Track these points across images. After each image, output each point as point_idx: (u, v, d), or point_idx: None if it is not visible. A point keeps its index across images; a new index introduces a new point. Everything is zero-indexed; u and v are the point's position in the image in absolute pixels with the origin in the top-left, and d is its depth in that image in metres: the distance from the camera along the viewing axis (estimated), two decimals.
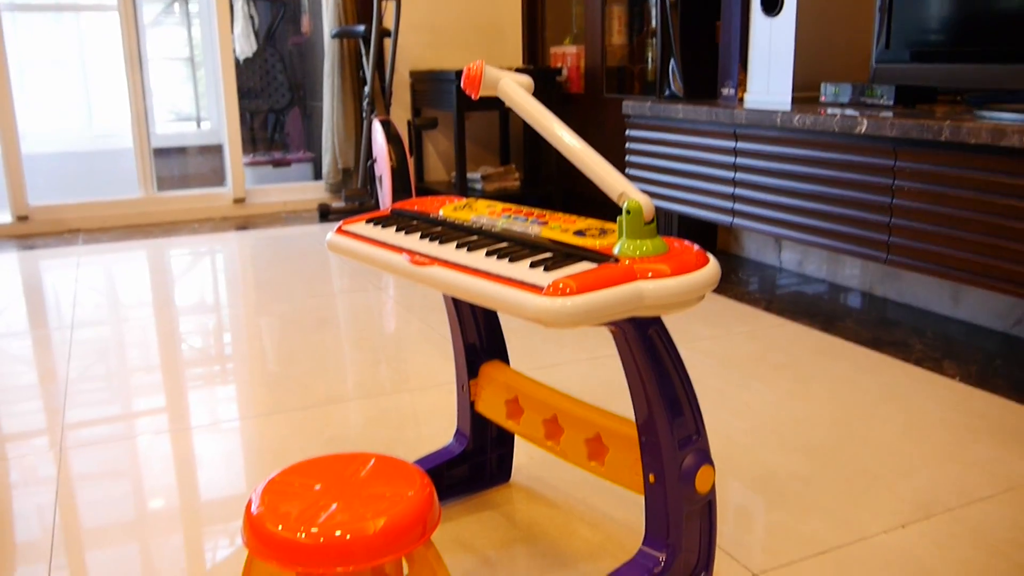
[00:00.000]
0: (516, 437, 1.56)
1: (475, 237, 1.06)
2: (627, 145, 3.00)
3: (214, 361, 2.07)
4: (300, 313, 2.44)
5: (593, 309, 0.85)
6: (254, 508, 0.95)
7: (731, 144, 2.50)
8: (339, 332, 2.26)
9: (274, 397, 1.83)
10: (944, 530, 1.29)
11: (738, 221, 2.52)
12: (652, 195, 2.91)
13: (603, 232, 1.01)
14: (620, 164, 3.33)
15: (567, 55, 3.93)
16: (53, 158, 5.16)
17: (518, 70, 3.84)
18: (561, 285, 0.86)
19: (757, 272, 2.83)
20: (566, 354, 2.06)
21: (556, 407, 1.21)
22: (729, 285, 2.67)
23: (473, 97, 1.08)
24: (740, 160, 2.47)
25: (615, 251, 0.94)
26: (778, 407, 1.74)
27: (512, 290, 0.90)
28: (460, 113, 3.67)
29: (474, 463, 1.41)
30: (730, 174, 2.52)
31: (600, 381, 1.88)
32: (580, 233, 1.01)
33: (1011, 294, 1.80)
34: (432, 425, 1.68)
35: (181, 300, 2.60)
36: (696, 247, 0.97)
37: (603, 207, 3.67)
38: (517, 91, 1.05)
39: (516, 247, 1.00)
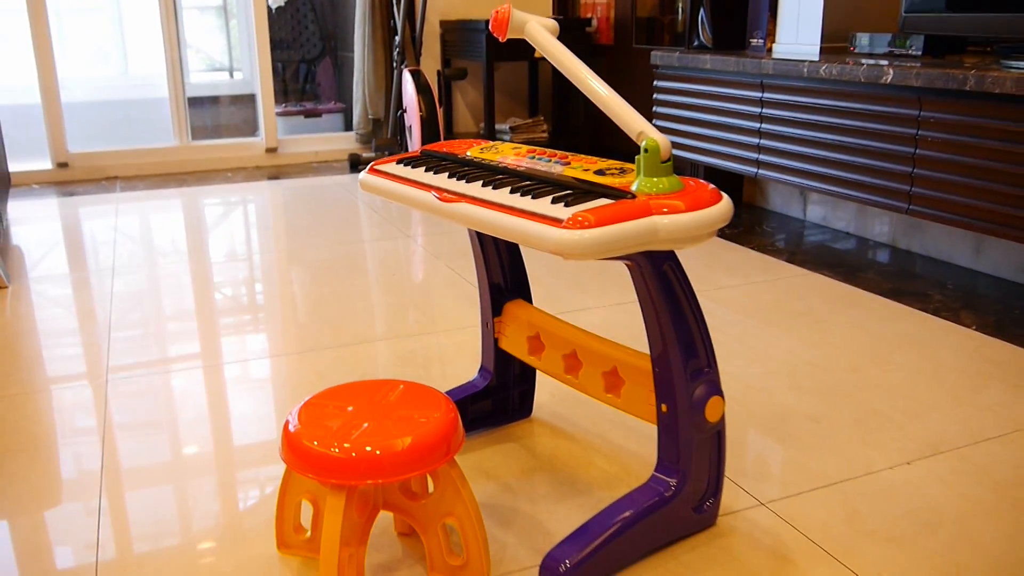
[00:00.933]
0: (538, 375, 1.63)
1: (500, 176, 1.11)
2: (655, 96, 3.01)
3: (247, 304, 2.15)
4: (331, 259, 2.51)
5: (609, 241, 0.90)
6: (291, 426, 1.02)
7: (758, 95, 2.51)
8: (368, 278, 2.33)
9: (306, 337, 1.91)
10: (949, 467, 1.33)
11: (763, 172, 2.54)
12: (679, 146, 2.93)
13: (622, 171, 1.06)
14: (648, 115, 3.34)
15: (597, 5, 3.92)
16: (90, 107, 5.25)
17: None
18: (580, 218, 0.91)
19: (782, 224, 2.85)
20: (590, 300, 2.11)
21: (575, 343, 1.27)
22: (753, 236, 2.70)
23: (501, 39, 1.12)
24: (766, 111, 2.49)
25: (632, 188, 0.98)
26: (794, 352, 1.78)
27: (534, 224, 0.95)
28: (490, 64, 3.69)
29: (497, 398, 1.47)
30: (756, 125, 2.54)
31: (622, 325, 1.93)
32: (600, 172, 1.06)
33: None
34: (458, 364, 1.74)
35: (215, 246, 2.68)
36: (711, 186, 1.01)
37: (628, 158, 3.69)
38: (543, 33, 1.09)
39: (539, 184, 1.05)
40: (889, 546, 1.14)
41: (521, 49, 3.72)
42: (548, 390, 1.61)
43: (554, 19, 3.87)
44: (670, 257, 1.04)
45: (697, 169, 3.09)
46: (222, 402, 1.59)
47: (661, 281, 1.05)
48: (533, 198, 1.00)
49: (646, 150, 0.98)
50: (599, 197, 0.99)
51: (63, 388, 1.65)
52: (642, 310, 1.08)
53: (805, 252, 2.51)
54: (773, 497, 1.26)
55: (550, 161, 1.13)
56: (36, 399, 1.61)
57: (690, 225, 0.95)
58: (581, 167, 1.09)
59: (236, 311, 2.08)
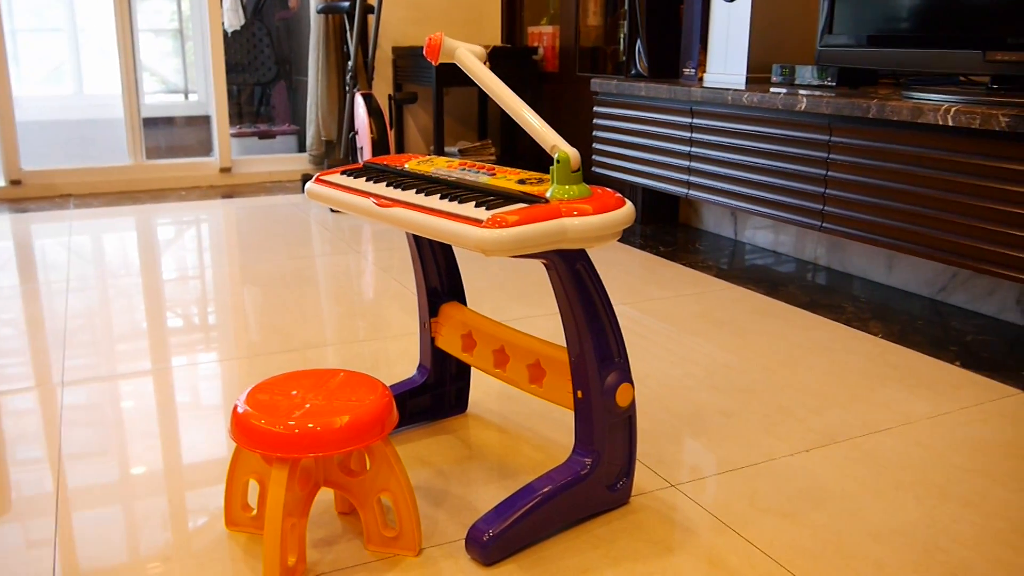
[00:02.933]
0: (473, 373, 1.74)
1: (432, 184, 1.23)
2: (594, 121, 3.17)
3: (199, 313, 2.23)
4: (282, 273, 2.60)
5: (524, 239, 1.03)
6: (240, 408, 1.12)
7: (688, 120, 2.68)
8: (318, 289, 2.43)
9: (255, 343, 2.00)
10: (843, 454, 1.48)
11: (693, 193, 2.70)
12: (617, 168, 3.09)
13: (540, 181, 1.19)
14: (590, 139, 3.50)
15: (544, 35, 4.09)
16: (44, 125, 5.27)
17: (496, 48, 4.00)
18: (498, 219, 1.03)
19: (713, 243, 3.01)
20: (531, 310, 2.23)
21: (503, 339, 1.39)
22: (685, 254, 2.85)
23: (433, 63, 1.25)
24: (695, 135, 2.65)
25: (547, 195, 1.11)
26: (713, 356, 1.92)
27: (459, 224, 1.07)
28: (439, 89, 3.82)
29: (435, 394, 1.58)
30: (686, 148, 2.70)
31: (557, 331, 2.06)
32: (521, 182, 1.19)
33: (932, 259, 1.99)
34: (402, 366, 1.85)
35: (169, 260, 2.75)
36: (617, 194, 1.14)
37: None
38: (471, 58, 1.22)
39: (465, 192, 1.17)
40: (782, 520, 1.27)
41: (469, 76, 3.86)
42: (483, 388, 1.73)
43: (503, 48, 4.02)
44: (582, 257, 1.17)
45: (634, 190, 3.25)
46: (172, 400, 1.68)
47: (574, 279, 1.17)
48: (459, 203, 1.13)
49: (558, 161, 1.11)
50: (517, 202, 1.11)
51: (13, 398, 1.73)
52: (559, 306, 1.21)
53: (733, 268, 2.67)
54: (683, 480, 1.39)
55: (477, 172, 1.26)
56: None
57: (596, 226, 1.08)
58: (504, 177, 1.22)
59: (188, 319, 2.17)
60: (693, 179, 2.69)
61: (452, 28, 4.34)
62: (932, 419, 1.61)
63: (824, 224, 2.22)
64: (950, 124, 1.85)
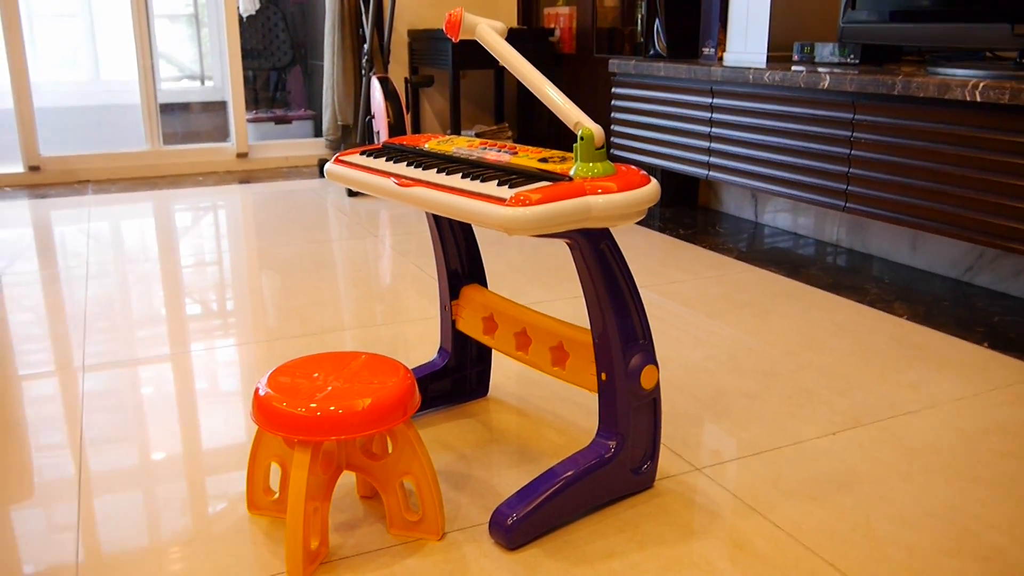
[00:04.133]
0: (494, 357, 1.73)
1: (453, 164, 1.21)
2: (612, 102, 3.14)
3: (219, 298, 2.23)
4: (300, 257, 2.60)
5: (548, 218, 1.01)
6: (261, 391, 1.11)
7: (708, 100, 2.64)
8: (337, 273, 2.42)
9: (273, 327, 1.99)
10: (869, 437, 1.45)
11: (713, 174, 2.67)
12: (635, 150, 3.06)
13: (563, 159, 1.17)
14: (608, 120, 3.47)
15: (560, 16, 4.05)
16: (62, 111, 5.29)
17: (512, 29, 3.97)
18: (521, 198, 1.02)
19: (733, 225, 2.98)
20: (550, 294, 2.21)
21: (525, 321, 1.37)
22: (706, 236, 2.82)
23: (453, 39, 1.23)
24: (716, 116, 2.62)
25: (571, 173, 1.09)
26: (735, 339, 1.90)
27: (481, 203, 1.05)
28: (456, 72, 3.80)
29: (456, 377, 1.57)
30: (706, 129, 2.67)
31: (577, 314, 2.04)
32: (544, 160, 1.17)
33: (959, 238, 1.95)
34: (421, 350, 1.84)
35: (187, 245, 2.75)
36: (641, 171, 1.12)
37: None
38: (491, 34, 1.20)
39: (487, 170, 1.15)
40: (809, 503, 1.25)
41: (487, 58, 3.84)
42: (504, 371, 1.71)
43: (519, 30, 3.99)
44: (606, 236, 1.15)
45: (654, 172, 3.21)
46: (192, 385, 1.68)
47: (598, 259, 1.15)
48: (482, 182, 1.11)
49: (582, 138, 1.09)
50: (540, 180, 1.09)
51: (34, 383, 1.73)
52: (582, 287, 1.19)
53: (754, 250, 2.64)
54: (707, 463, 1.37)
55: (499, 151, 1.24)
56: (10, 394, 1.68)
57: (621, 204, 1.06)
58: (527, 156, 1.20)
59: (206, 304, 2.16)
60: (713, 160, 2.65)
61: (467, 9, 4.30)
62: (960, 401, 1.59)
63: (848, 204, 2.19)
64: (978, 100, 1.82)
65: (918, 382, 1.67)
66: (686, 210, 3.22)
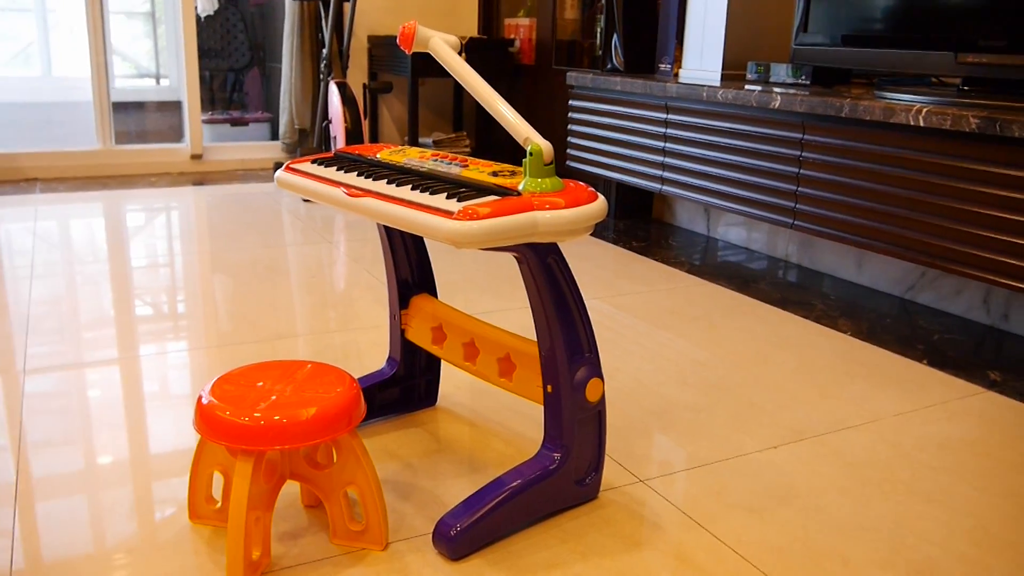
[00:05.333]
0: (443, 368, 1.73)
1: (403, 175, 1.22)
2: (569, 115, 3.16)
3: (168, 301, 2.20)
4: (253, 262, 2.57)
5: (495, 232, 1.02)
6: (204, 399, 1.11)
7: (662, 116, 2.68)
8: (289, 279, 2.41)
9: (224, 332, 1.98)
10: (810, 451, 1.48)
11: (666, 188, 2.70)
12: (591, 162, 3.09)
13: (512, 174, 1.18)
14: (565, 133, 3.49)
15: (520, 27, 4.07)
16: (11, 107, 5.18)
17: (471, 40, 3.98)
18: (469, 211, 1.02)
19: (686, 239, 3.02)
20: (503, 303, 2.22)
21: (474, 332, 1.38)
22: (659, 250, 2.86)
23: (407, 51, 1.23)
24: (670, 131, 2.65)
25: (520, 188, 1.10)
26: (684, 352, 1.93)
27: (429, 216, 1.06)
28: (415, 79, 3.80)
29: (404, 387, 1.57)
30: (660, 144, 2.70)
31: (530, 326, 2.05)
32: (494, 174, 1.18)
33: (901, 258, 2.00)
34: (372, 357, 1.83)
35: (138, 246, 2.71)
36: (589, 188, 1.14)
37: None
38: (444, 48, 1.21)
39: (437, 183, 1.16)
40: (750, 516, 1.27)
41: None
42: (453, 381, 1.72)
43: (479, 40, 4.00)
44: (554, 251, 1.16)
45: (609, 185, 3.24)
46: (139, 389, 1.65)
47: (546, 273, 1.17)
48: (431, 194, 1.11)
49: (531, 153, 1.10)
50: (489, 194, 1.10)
51: None
52: (530, 300, 1.20)
53: (705, 264, 2.68)
54: (652, 475, 1.39)
55: (450, 164, 1.25)
56: None
57: (568, 220, 1.07)
58: (477, 169, 1.20)
59: (156, 307, 2.13)
60: (667, 175, 2.69)
61: (428, 18, 4.31)
62: (899, 416, 1.63)
63: (796, 222, 2.23)
64: (921, 124, 1.87)
65: (859, 398, 1.71)
66: (640, 223, 3.26)
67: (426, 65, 3.81)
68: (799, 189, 2.21)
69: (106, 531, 1.19)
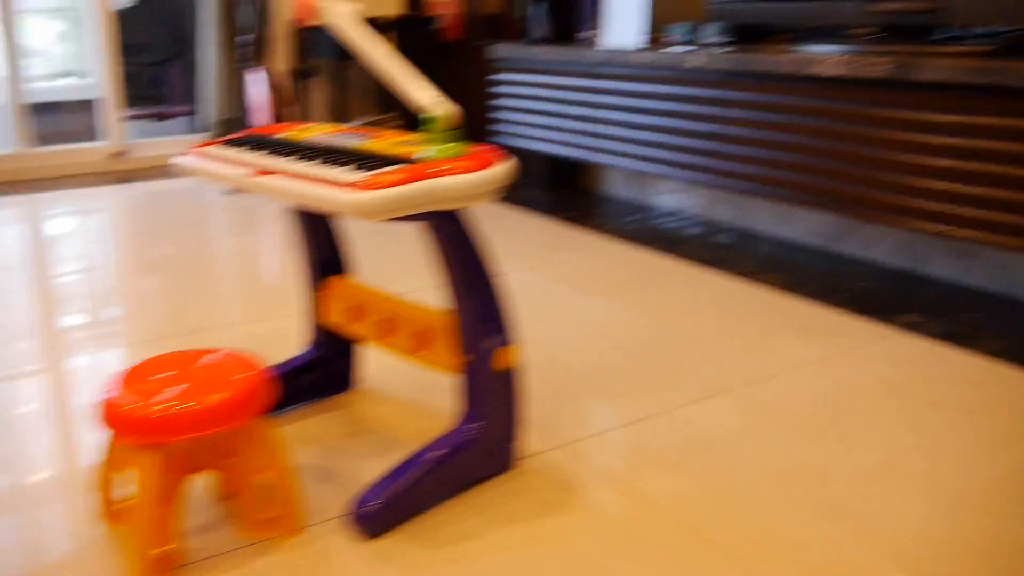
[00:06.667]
0: (363, 349, 1.71)
1: (309, 151, 1.19)
2: (493, 88, 3.14)
3: (91, 302, 2.14)
4: (177, 257, 2.52)
5: (394, 200, 1.00)
6: (110, 392, 1.07)
7: (587, 83, 2.67)
8: (215, 272, 2.36)
9: (149, 330, 1.93)
10: (731, 403, 1.50)
11: (595, 156, 2.70)
12: (519, 135, 3.07)
13: (419, 143, 1.16)
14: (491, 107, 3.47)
15: (446, 3, 4.02)
16: None
17: (398, 18, 3.93)
18: (368, 182, 1.01)
19: (619, 208, 3.02)
20: (424, 282, 2.21)
21: (388, 310, 1.36)
22: (591, 219, 2.86)
23: (306, 22, 1.20)
24: (595, 98, 2.65)
25: (421, 155, 1.09)
26: (612, 316, 1.93)
27: (331, 189, 1.03)
28: (341, 62, 3.74)
29: (323, 371, 1.54)
30: (587, 111, 2.70)
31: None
32: (400, 144, 1.16)
33: (824, 210, 2.02)
34: (297, 344, 1.81)
35: (58, 249, 2.64)
36: (494, 152, 1.12)
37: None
38: (340, 17, 1.18)
39: (343, 156, 1.14)
40: (671, 471, 1.28)
41: None
42: (372, 363, 1.70)
43: (403, 16, 3.95)
44: (459, 218, 1.15)
45: (538, 157, 3.23)
46: (61, 394, 1.61)
47: (451, 241, 1.15)
48: (334, 166, 1.09)
49: (431, 120, 1.08)
50: (391, 164, 1.08)
51: None
52: (439, 270, 1.19)
53: (638, 231, 2.69)
54: (573, 439, 1.39)
55: (356, 137, 1.22)
56: None
57: (467, 185, 1.06)
58: (385, 141, 1.18)
59: (80, 309, 2.08)
60: (595, 143, 2.69)
61: None
62: (819, 363, 1.65)
63: (719, 180, 2.25)
64: (833, 75, 1.88)
65: (781, 348, 1.73)
66: (572, 194, 3.26)
67: (352, 48, 3.75)
68: (720, 147, 2.22)
69: (11, 533, 1.16)
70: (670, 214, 2.87)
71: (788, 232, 2.52)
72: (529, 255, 2.42)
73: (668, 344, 1.77)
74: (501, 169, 1.10)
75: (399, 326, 1.35)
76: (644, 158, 2.50)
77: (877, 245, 2.27)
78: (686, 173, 2.36)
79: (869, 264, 2.27)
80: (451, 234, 1.15)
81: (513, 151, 3.37)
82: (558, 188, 3.31)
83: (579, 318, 1.92)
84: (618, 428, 1.42)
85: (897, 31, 2.08)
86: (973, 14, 1.87)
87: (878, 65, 1.83)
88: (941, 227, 1.81)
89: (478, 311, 1.18)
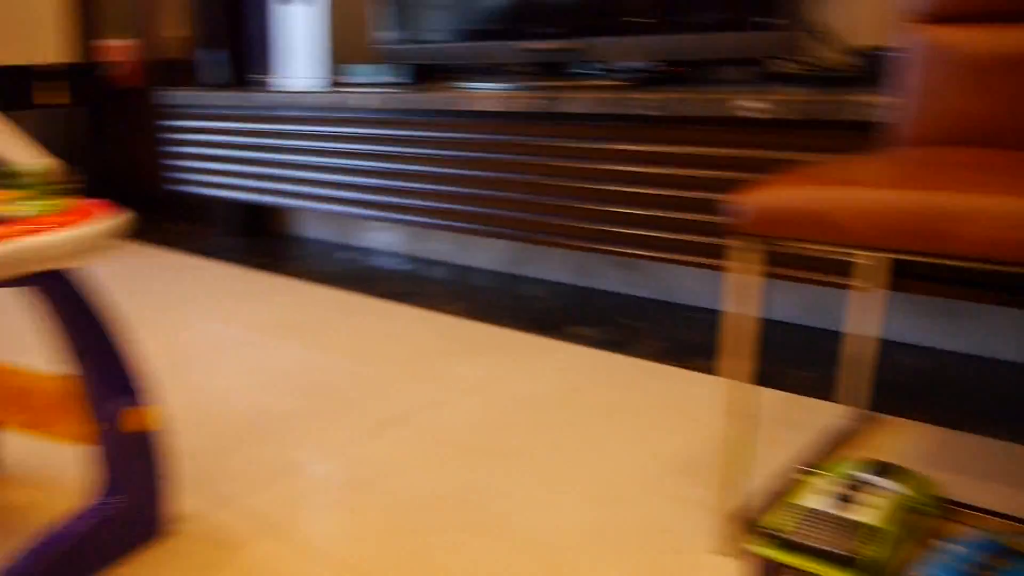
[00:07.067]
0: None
1: None
2: (165, 135, 3.01)
3: None
4: None
5: None
6: None
7: (264, 127, 2.62)
8: None
9: None
10: (407, 432, 1.52)
11: (280, 200, 2.66)
12: (199, 183, 2.95)
13: (14, 202, 1.06)
14: (170, 155, 3.31)
15: (119, 48, 3.80)
16: None
17: (64, 65, 3.65)
18: None
19: (312, 249, 2.99)
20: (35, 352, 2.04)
21: (6, 383, 1.24)
22: (283, 263, 2.80)
23: None
24: (275, 141, 2.61)
25: (13, 213, 1.00)
26: (292, 359, 1.89)
27: None
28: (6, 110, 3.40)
29: None
30: (267, 156, 2.65)
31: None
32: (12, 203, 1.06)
33: (500, 238, 2.13)
34: None
35: None
36: (100, 205, 1.06)
37: (168, 205, 3.62)
38: None
39: None
40: (334, 511, 1.27)
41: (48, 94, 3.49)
42: (11, 445, 1.54)
43: (68, 65, 3.67)
44: (67, 279, 1.07)
45: (220, 203, 3.13)
46: None
47: (64, 302, 1.07)
48: None
49: (12, 176, 1.00)
50: None
51: None
52: (56, 333, 1.09)
53: (328, 272, 2.67)
54: (232, 493, 1.33)
55: None
56: None
57: (65, 242, 0.98)
58: None
59: None
60: (281, 187, 2.64)
61: (2, 44, 3.87)
62: (492, 383, 1.72)
63: (404, 216, 2.29)
64: (493, 110, 1.99)
65: (459, 372, 1.78)
66: (266, 238, 3.18)
67: (18, 91, 3.43)
68: (403, 184, 2.27)
69: None
70: (367, 252, 2.88)
71: (471, 260, 2.62)
72: (215, 306, 2.33)
73: (348, 381, 1.76)
74: (105, 224, 1.04)
75: (12, 401, 1.23)
76: (331, 199, 2.49)
77: (554, 266, 2.42)
78: (372, 211, 2.38)
79: (548, 284, 2.41)
80: (62, 295, 1.07)
81: (197, 199, 3.24)
82: (251, 235, 3.22)
83: (260, 365, 1.87)
84: (283, 476, 1.38)
85: (549, 68, 2.24)
86: (612, 53, 2.06)
87: (531, 99, 1.96)
88: (606, 246, 1.96)
89: (102, 374, 1.11)
